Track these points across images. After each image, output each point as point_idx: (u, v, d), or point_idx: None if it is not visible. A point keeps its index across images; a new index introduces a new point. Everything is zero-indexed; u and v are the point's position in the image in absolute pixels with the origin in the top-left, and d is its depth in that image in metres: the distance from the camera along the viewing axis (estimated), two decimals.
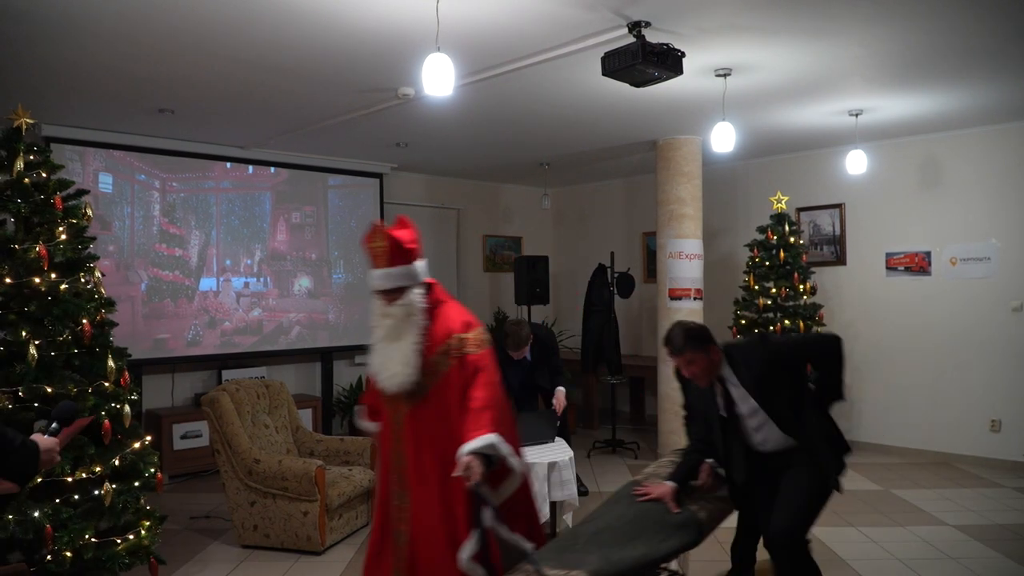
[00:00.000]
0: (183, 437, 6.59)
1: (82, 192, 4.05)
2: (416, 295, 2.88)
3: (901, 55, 4.61)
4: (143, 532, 3.74)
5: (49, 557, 3.40)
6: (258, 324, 7.33)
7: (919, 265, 7.05)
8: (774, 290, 6.84)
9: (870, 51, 4.53)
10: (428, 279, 2.97)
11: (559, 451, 4.74)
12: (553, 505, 4.51)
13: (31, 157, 3.79)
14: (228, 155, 7.12)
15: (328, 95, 5.34)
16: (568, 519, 4.67)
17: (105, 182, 6.45)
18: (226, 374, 6.98)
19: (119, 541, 3.65)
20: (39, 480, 3.45)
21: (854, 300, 7.45)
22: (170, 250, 6.82)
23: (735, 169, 8.22)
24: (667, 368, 7.05)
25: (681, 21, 3.97)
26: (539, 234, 10.15)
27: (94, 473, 3.60)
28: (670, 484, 3.23)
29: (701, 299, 7.09)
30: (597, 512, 3.27)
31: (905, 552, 4.58)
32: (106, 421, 3.64)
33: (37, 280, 3.63)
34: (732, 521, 3.63)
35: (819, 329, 6.83)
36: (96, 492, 3.61)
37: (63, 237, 3.77)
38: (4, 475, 2.12)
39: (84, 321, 3.69)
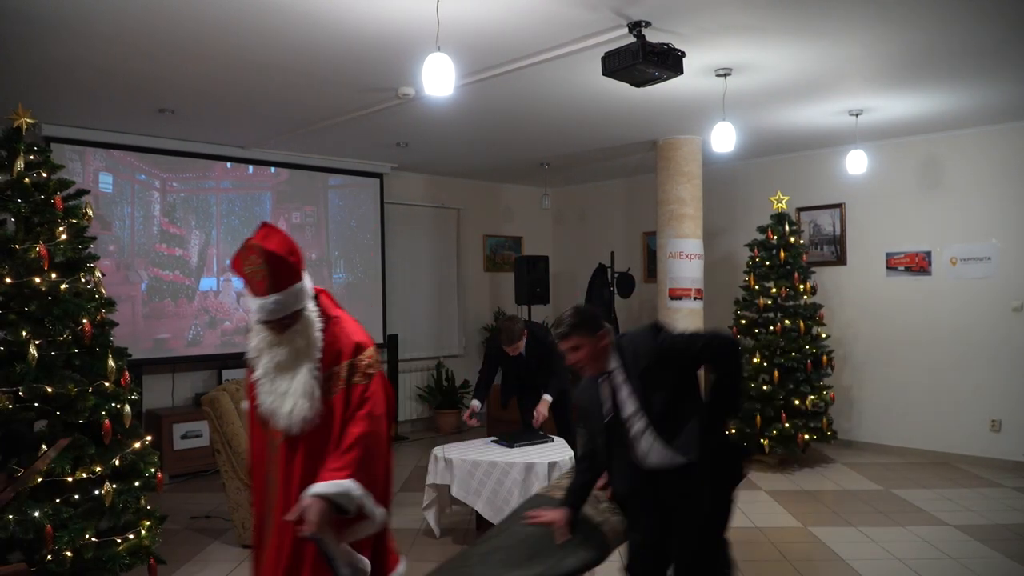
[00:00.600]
0: (183, 437, 6.59)
1: (82, 192, 4.05)
2: (312, 315, 2.51)
3: (901, 55, 4.61)
4: (143, 532, 3.74)
5: (49, 557, 3.39)
6: None
7: (919, 265, 7.05)
8: (774, 290, 6.84)
9: (870, 51, 4.53)
10: (315, 287, 2.62)
11: (559, 451, 4.74)
12: None
13: (31, 157, 3.79)
14: (228, 155, 7.12)
15: (328, 95, 5.34)
16: None
17: (105, 182, 6.45)
18: (226, 374, 6.98)
19: (119, 541, 3.65)
20: (39, 480, 3.45)
21: (854, 300, 7.45)
22: (170, 250, 6.82)
23: (735, 169, 8.22)
24: None
25: (681, 21, 3.97)
26: (539, 234, 10.15)
27: (94, 473, 3.60)
28: (563, 510, 2.88)
29: (701, 299, 7.09)
30: (493, 531, 3.06)
31: (905, 552, 4.58)
32: (106, 421, 3.65)
33: (37, 280, 3.63)
34: None
35: (819, 330, 6.84)
36: (96, 492, 3.61)
37: (63, 237, 3.77)
38: None
39: (84, 321, 3.69)
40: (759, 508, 5.57)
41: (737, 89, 5.19)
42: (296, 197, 7.64)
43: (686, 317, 6.99)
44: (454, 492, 4.59)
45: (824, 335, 6.89)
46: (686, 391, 2.78)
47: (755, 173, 8.10)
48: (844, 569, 4.36)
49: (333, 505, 2.34)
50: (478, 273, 9.55)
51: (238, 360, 7.10)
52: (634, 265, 8.81)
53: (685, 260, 7.00)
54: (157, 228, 6.73)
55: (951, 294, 6.84)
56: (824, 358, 6.76)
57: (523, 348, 5.27)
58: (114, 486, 3.62)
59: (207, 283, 7.02)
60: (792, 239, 6.91)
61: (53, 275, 3.69)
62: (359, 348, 2.54)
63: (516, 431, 5.26)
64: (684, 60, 4.15)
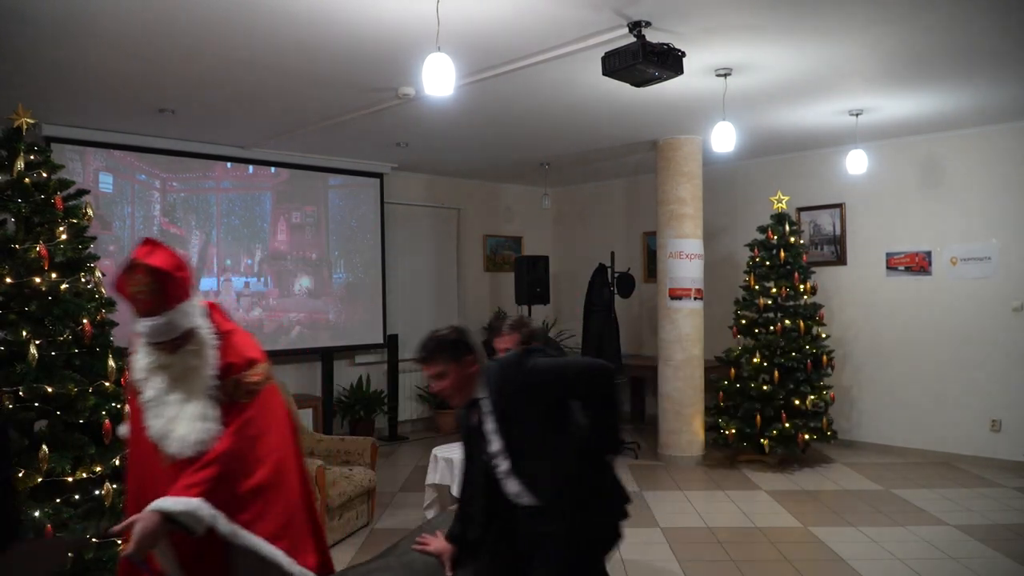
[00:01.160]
0: None
1: (82, 192, 4.05)
2: (205, 332, 2.37)
3: (902, 55, 4.61)
4: None
5: None
6: (258, 324, 7.33)
7: (919, 265, 7.05)
8: (774, 290, 6.84)
9: (870, 51, 4.53)
10: (205, 302, 2.48)
11: None
12: None
13: (31, 157, 3.79)
14: (228, 155, 7.11)
15: (328, 95, 5.33)
16: None
17: (105, 182, 6.45)
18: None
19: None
20: (39, 480, 3.45)
21: (854, 300, 7.45)
22: None
23: (735, 169, 8.22)
24: (668, 368, 7.06)
25: (682, 21, 3.97)
26: (539, 234, 10.15)
27: (94, 473, 3.61)
28: (449, 544, 2.66)
29: (701, 299, 7.09)
30: (384, 551, 2.96)
31: (905, 552, 4.58)
32: (106, 421, 3.65)
33: (38, 280, 3.63)
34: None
35: (819, 330, 6.84)
36: (96, 492, 3.61)
37: (63, 237, 3.77)
38: None
39: (84, 321, 3.69)
40: (759, 508, 5.57)
41: (737, 89, 5.18)
42: (296, 197, 7.64)
43: (686, 317, 6.99)
44: (454, 492, 4.59)
45: (824, 335, 6.90)
46: (555, 427, 2.43)
47: (755, 173, 8.10)
48: (844, 569, 4.36)
49: (178, 525, 2.17)
50: (478, 273, 9.55)
51: None
52: (634, 265, 8.81)
53: (685, 260, 7.00)
54: (157, 228, 6.73)
55: (951, 294, 6.84)
56: (824, 358, 6.76)
57: (513, 345, 4.98)
58: (114, 486, 3.62)
59: (207, 283, 7.02)
60: (792, 239, 6.91)
61: (53, 275, 3.69)
62: (251, 364, 2.44)
63: None
64: (684, 60, 4.15)
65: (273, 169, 7.48)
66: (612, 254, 7.93)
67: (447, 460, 4.64)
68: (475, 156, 7.86)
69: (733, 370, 6.91)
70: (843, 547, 4.69)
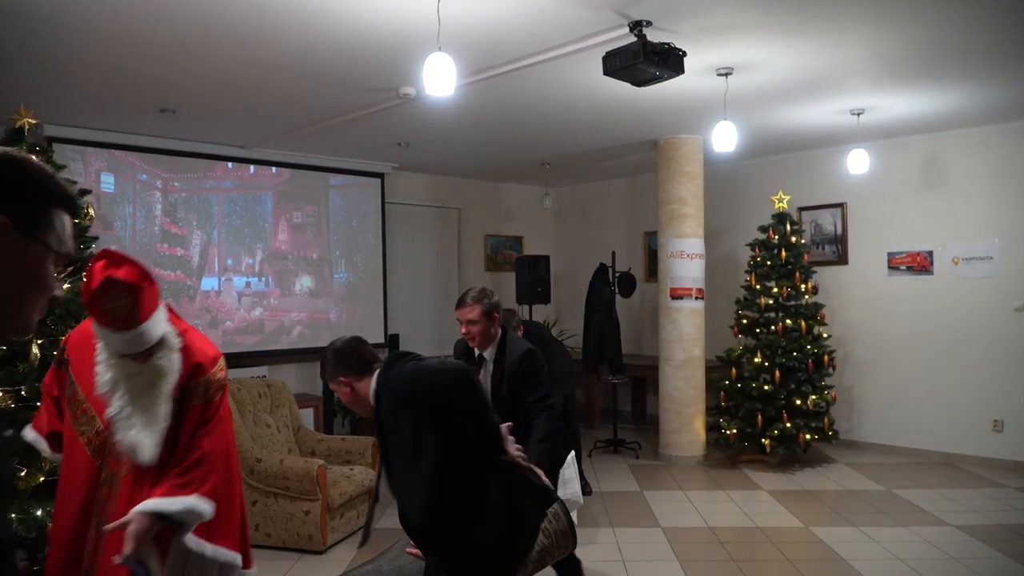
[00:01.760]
0: None
1: (84, 192, 4.07)
2: (171, 336, 2.32)
3: (904, 54, 4.61)
4: None
5: None
6: (260, 324, 7.34)
7: (921, 265, 7.04)
8: (776, 289, 6.84)
9: (872, 50, 4.53)
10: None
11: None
12: None
13: (34, 157, 3.80)
14: (229, 155, 7.12)
15: (329, 95, 5.34)
16: (574, 517, 4.67)
17: (107, 182, 6.45)
18: (228, 374, 6.96)
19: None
20: (41, 480, 3.45)
21: (856, 299, 7.44)
22: (172, 250, 6.82)
23: (736, 168, 8.22)
24: (669, 368, 7.06)
25: (682, 20, 3.97)
26: (540, 234, 10.15)
27: None
28: None
29: (702, 299, 7.09)
30: (373, 558, 3.00)
31: (907, 552, 4.58)
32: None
33: None
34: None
35: (820, 329, 6.84)
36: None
37: None
38: None
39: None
40: (760, 508, 5.57)
41: (738, 88, 5.18)
42: (297, 197, 7.65)
43: (687, 317, 6.99)
44: None
45: (825, 335, 6.89)
46: (419, 444, 2.22)
47: (756, 172, 8.10)
48: (845, 569, 4.35)
49: (172, 524, 2.18)
50: (479, 273, 9.55)
51: (239, 360, 7.15)
52: (635, 265, 8.81)
53: (686, 260, 7.00)
54: (159, 228, 6.74)
55: (953, 294, 6.84)
56: (825, 358, 6.76)
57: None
58: None
59: (208, 283, 7.03)
60: (793, 239, 6.91)
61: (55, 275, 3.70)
62: (215, 361, 2.44)
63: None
64: (685, 59, 4.15)
65: (274, 169, 7.48)
66: (613, 254, 7.93)
67: None
68: (476, 156, 7.86)
69: (734, 370, 6.91)
70: (844, 547, 4.68)
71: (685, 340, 6.98)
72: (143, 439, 2.24)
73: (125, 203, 6.57)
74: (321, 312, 7.77)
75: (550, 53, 4.38)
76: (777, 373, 6.61)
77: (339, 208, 7.97)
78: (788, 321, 6.75)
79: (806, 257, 6.97)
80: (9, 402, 3.45)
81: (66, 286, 3.71)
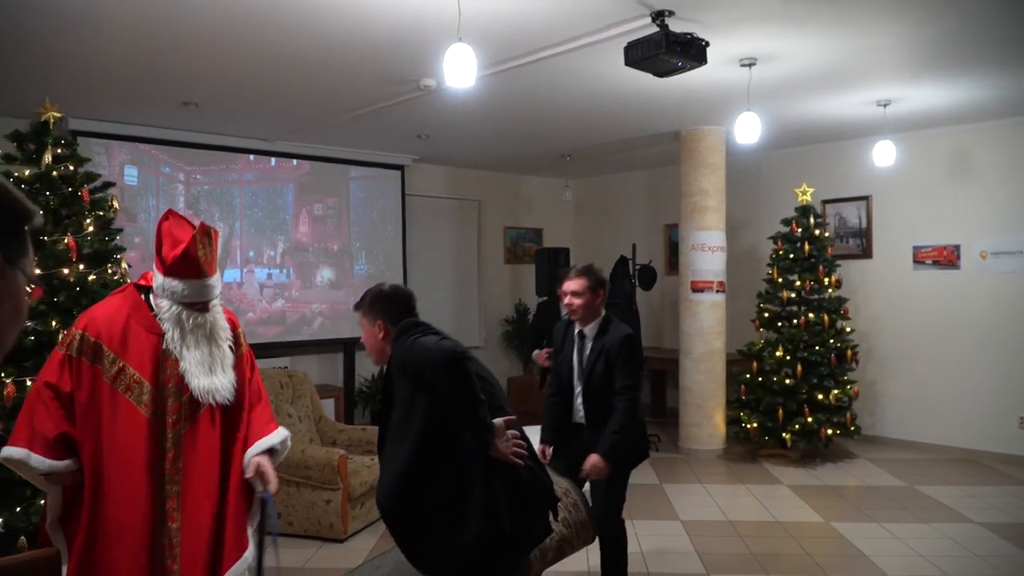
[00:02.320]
0: None
1: (108, 185, 4.12)
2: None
3: (932, 43, 4.53)
4: None
5: None
6: (281, 315, 7.39)
7: (948, 259, 6.94)
8: (798, 283, 6.77)
9: (899, 39, 4.45)
10: None
11: None
12: None
13: (59, 150, 3.85)
14: (251, 147, 7.17)
15: (350, 87, 5.35)
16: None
17: (130, 175, 6.52)
18: None
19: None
20: None
21: (880, 294, 7.35)
22: None
23: (759, 160, 8.14)
24: (689, 361, 7.02)
25: (705, 10, 3.93)
26: (560, 226, 10.12)
27: None
28: None
29: (724, 292, 7.04)
30: (379, 554, 3.08)
31: (929, 549, 4.53)
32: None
33: (66, 271, 3.69)
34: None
35: (843, 324, 6.77)
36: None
37: (91, 229, 3.83)
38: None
39: None
40: (780, 502, 5.53)
41: (762, 79, 5.13)
42: (318, 189, 7.68)
43: (708, 310, 6.95)
44: None
45: (849, 329, 6.82)
46: (406, 423, 2.20)
47: (780, 164, 8.02)
48: (866, 565, 4.32)
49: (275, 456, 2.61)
50: (498, 265, 9.55)
51: (261, 351, 7.19)
52: (656, 257, 8.77)
53: (708, 252, 6.95)
54: None
55: (980, 288, 6.73)
56: (849, 352, 6.69)
57: (576, 300, 3.54)
58: None
59: (231, 274, 7.08)
60: (817, 232, 6.83)
61: (81, 266, 3.75)
62: (234, 313, 2.79)
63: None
64: (708, 50, 4.10)
65: (295, 162, 7.52)
66: (634, 246, 7.89)
67: None
68: (496, 148, 7.85)
69: (755, 363, 6.86)
70: (865, 543, 4.64)
71: (706, 333, 6.94)
72: (218, 381, 2.51)
73: (148, 195, 6.63)
74: (342, 303, 7.81)
75: (571, 44, 4.35)
76: (799, 367, 6.55)
77: (359, 200, 8.00)
78: (811, 315, 6.69)
79: (830, 250, 6.90)
80: None
81: (92, 277, 3.76)
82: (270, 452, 2.59)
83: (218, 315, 2.58)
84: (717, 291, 6.99)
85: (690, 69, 4.17)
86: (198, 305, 2.50)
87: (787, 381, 6.56)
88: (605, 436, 3.30)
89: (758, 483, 6.04)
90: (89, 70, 4.85)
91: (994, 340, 6.63)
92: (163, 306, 2.49)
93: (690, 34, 3.99)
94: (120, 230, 4.11)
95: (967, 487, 5.81)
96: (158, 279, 2.51)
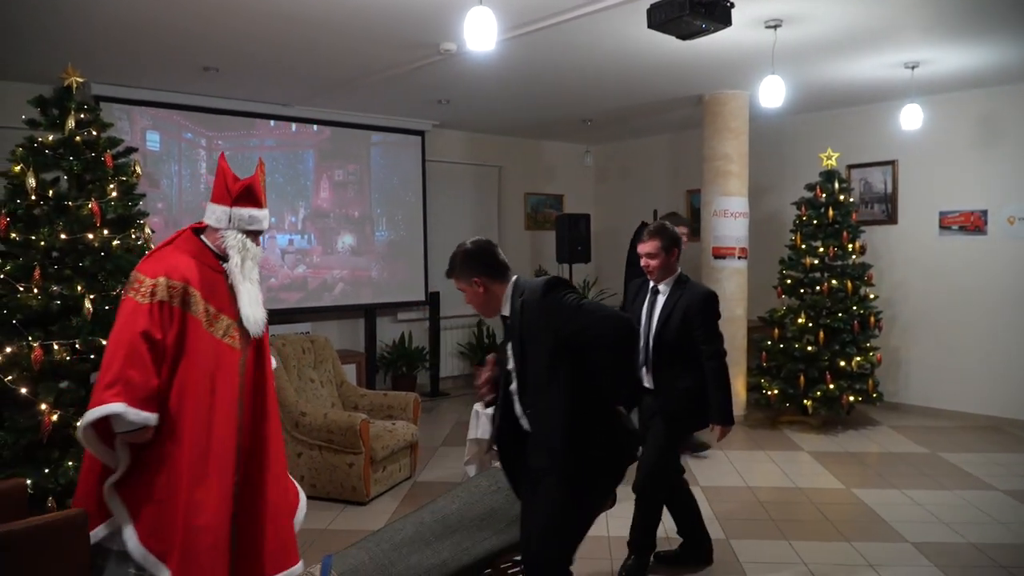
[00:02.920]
0: None
1: (131, 150, 4.13)
2: None
3: (961, 3, 4.40)
4: None
5: None
6: (303, 281, 7.45)
7: (975, 224, 6.82)
8: (822, 249, 6.70)
9: None
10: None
11: None
12: None
13: (82, 115, 3.86)
14: (272, 113, 7.16)
15: (371, 51, 5.31)
16: None
17: (152, 140, 6.55)
18: (272, 330, 7.10)
19: None
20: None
21: (905, 260, 7.26)
22: None
23: (783, 124, 8.00)
24: None
25: None
26: (581, 192, 10.06)
27: None
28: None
29: (746, 258, 6.98)
30: (412, 512, 3.17)
31: (951, 515, 4.52)
32: None
33: (91, 236, 3.73)
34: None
35: (867, 290, 6.70)
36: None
37: (114, 194, 3.86)
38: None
39: None
40: (801, 469, 5.54)
41: (787, 41, 5.02)
42: (339, 155, 7.68)
43: (730, 276, 6.90)
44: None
45: (872, 296, 6.75)
46: (559, 367, 2.42)
47: (804, 128, 7.88)
48: (887, 530, 4.32)
49: None
50: (519, 231, 9.53)
51: (283, 316, 7.28)
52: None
53: (730, 218, 6.88)
54: (204, 186, 6.83)
55: (1007, 254, 6.62)
56: (872, 319, 6.63)
57: (655, 259, 3.68)
58: None
59: None
60: (841, 197, 6.73)
61: (105, 231, 3.79)
62: None
63: None
64: (732, 11, 4.02)
65: (316, 127, 7.51)
66: (655, 212, 7.84)
67: (488, 416, 4.69)
68: (517, 113, 7.78)
69: (777, 330, 6.83)
70: (886, 509, 4.64)
71: (727, 300, 6.89)
72: (262, 314, 2.80)
73: (171, 161, 6.67)
74: (363, 270, 7.85)
75: (594, 6, 4.29)
76: (821, 334, 6.51)
77: (380, 166, 7.99)
78: (834, 281, 6.62)
79: (854, 216, 6.80)
80: (64, 355, 3.56)
81: (116, 242, 3.80)
82: None
83: (259, 248, 2.82)
84: (739, 257, 6.93)
85: (714, 31, 4.09)
86: (256, 235, 2.78)
87: (809, 348, 6.52)
88: (712, 399, 3.47)
89: (778, 449, 6.05)
90: (110, 35, 4.86)
91: (1021, 307, 6.54)
92: (228, 236, 2.72)
93: None
94: (143, 195, 4.13)
95: (991, 454, 5.78)
96: (219, 212, 2.72)
